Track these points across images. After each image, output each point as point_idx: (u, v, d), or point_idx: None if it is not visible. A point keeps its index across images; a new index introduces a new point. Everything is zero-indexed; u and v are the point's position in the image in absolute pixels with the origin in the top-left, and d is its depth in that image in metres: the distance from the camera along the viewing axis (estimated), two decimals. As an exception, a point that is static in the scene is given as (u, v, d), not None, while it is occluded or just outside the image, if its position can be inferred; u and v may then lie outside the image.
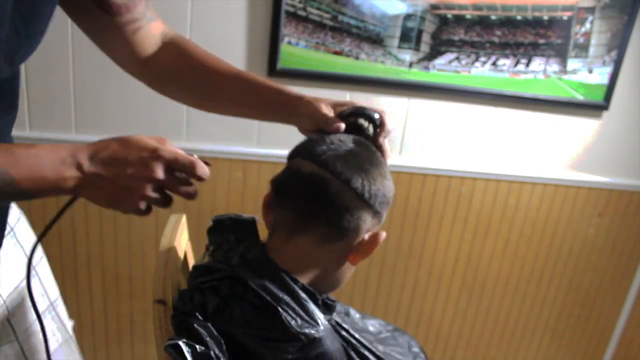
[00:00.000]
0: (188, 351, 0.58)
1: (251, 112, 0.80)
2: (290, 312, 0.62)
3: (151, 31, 0.78)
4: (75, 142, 1.35)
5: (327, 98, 0.74)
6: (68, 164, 0.53)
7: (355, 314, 0.88)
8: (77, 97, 1.34)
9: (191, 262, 0.94)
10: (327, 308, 0.70)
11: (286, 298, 0.63)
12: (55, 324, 0.85)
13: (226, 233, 0.76)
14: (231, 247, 0.72)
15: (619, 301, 1.83)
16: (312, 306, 0.64)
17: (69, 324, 0.91)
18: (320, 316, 0.64)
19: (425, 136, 1.52)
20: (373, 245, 0.68)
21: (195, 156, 0.60)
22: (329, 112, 0.70)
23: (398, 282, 1.66)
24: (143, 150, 0.56)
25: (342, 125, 0.69)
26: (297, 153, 0.69)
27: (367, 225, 0.67)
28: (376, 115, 0.71)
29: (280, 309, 0.61)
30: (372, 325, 0.88)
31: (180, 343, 0.58)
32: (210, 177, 0.60)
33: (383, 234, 0.68)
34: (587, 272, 1.76)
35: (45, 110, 1.33)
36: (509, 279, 1.73)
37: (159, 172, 0.56)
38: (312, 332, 0.61)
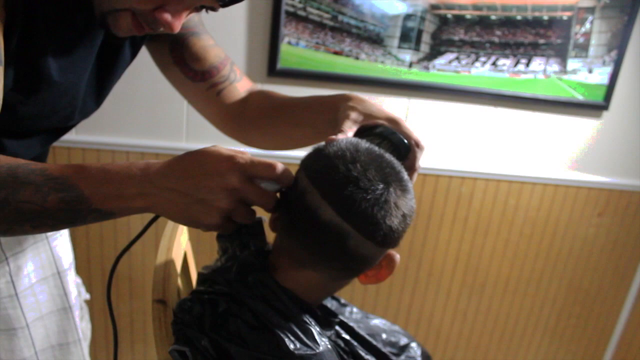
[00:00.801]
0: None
1: (308, 132, 0.78)
2: (290, 335, 0.59)
3: (237, 91, 0.82)
4: (75, 142, 1.35)
5: (368, 104, 0.68)
6: (137, 178, 0.51)
7: (357, 314, 0.87)
8: (77, 97, 1.34)
9: (191, 262, 0.94)
10: (328, 324, 0.69)
11: (284, 321, 0.61)
12: (57, 291, 0.87)
13: (233, 236, 0.75)
14: (232, 256, 0.71)
15: (619, 301, 1.83)
16: (312, 328, 0.62)
17: (74, 293, 0.92)
18: (319, 337, 0.62)
19: (425, 136, 1.52)
20: (388, 271, 0.63)
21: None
22: (348, 125, 0.64)
23: (398, 282, 1.66)
24: (217, 160, 0.52)
25: (339, 138, 0.60)
26: (316, 181, 0.58)
27: (383, 257, 0.63)
28: (404, 143, 0.63)
29: (278, 331, 0.59)
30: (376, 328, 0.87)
31: (187, 352, 0.58)
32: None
33: (397, 257, 0.63)
34: (587, 272, 1.76)
35: (45, 110, 1.33)
36: (509, 279, 1.73)
37: (234, 180, 0.51)
38: (310, 353, 0.59)
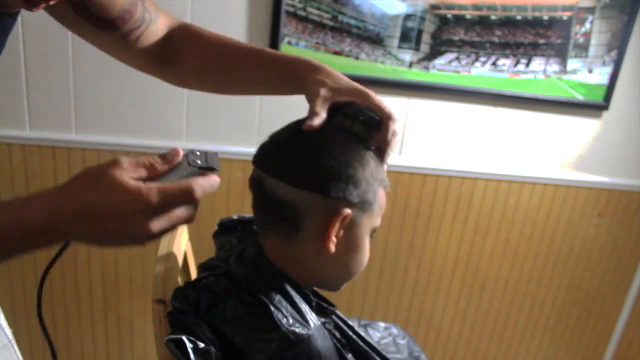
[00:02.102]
0: (191, 347, 0.58)
1: (259, 89, 0.77)
2: (282, 311, 0.62)
3: (156, 32, 0.76)
4: (75, 142, 1.35)
5: (336, 77, 0.67)
6: (39, 233, 0.46)
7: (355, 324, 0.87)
8: (77, 97, 1.34)
9: (191, 262, 0.94)
10: (322, 311, 0.70)
11: (278, 297, 0.63)
12: None
13: (230, 235, 0.77)
14: (232, 247, 0.73)
15: (619, 301, 1.83)
16: (304, 306, 0.65)
17: (9, 330, 0.84)
18: (312, 316, 0.64)
19: (425, 136, 1.52)
20: (330, 224, 0.63)
21: (193, 176, 0.50)
22: (320, 103, 0.64)
23: (398, 282, 1.66)
24: (124, 204, 0.45)
25: (315, 123, 0.62)
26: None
27: (320, 208, 0.63)
28: (375, 119, 0.65)
29: (271, 307, 0.61)
30: (373, 332, 0.88)
31: (184, 338, 0.58)
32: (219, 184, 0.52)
33: (344, 211, 0.62)
34: (587, 272, 1.76)
35: (45, 110, 1.33)
36: (509, 279, 1.73)
37: (148, 226, 0.46)
38: (302, 331, 0.61)
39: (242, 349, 0.61)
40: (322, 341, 0.63)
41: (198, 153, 0.53)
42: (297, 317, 0.63)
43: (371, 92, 0.67)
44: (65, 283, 1.49)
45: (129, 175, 0.47)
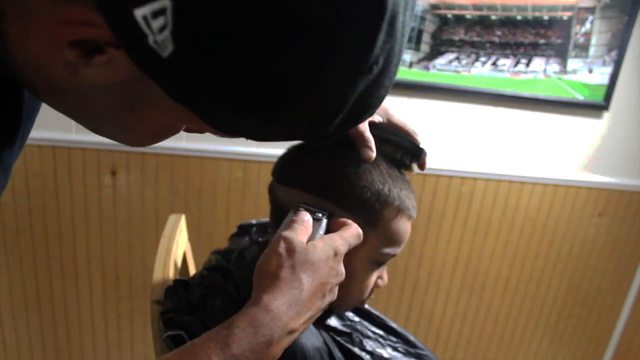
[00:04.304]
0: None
1: None
2: None
3: None
4: (75, 141, 1.35)
5: None
6: (282, 340, 0.47)
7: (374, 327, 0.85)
8: (77, 97, 1.33)
9: (190, 262, 0.94)
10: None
11: None
12: None
13: (245, 236, 0.78)
14: (239, 248, 0.74)
15: (619, 301, 1.83)
16: None
17: None
18: None
19: (425, 136, 1.52)
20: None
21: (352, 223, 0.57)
22: (365, 128, 0.61)
23: (398, 282, 1.66)
24: (328, 261, 0.51)
25: (373, 155, 0.60)
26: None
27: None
28: (421, 150, 0.66)
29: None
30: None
31: (183, 333, 0.59)
32: None
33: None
34: (587, 272, 1.76)
35: (45, 110, 1.33)
36: (509, 279, 1.72)
37: (343, 271, 0.54)
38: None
39: None
40: (309, 339, 0.62)
41: (305, 206, 0.59)
42: None
43: (405, 124, 0.67)
44: (65, 283, 1.49)
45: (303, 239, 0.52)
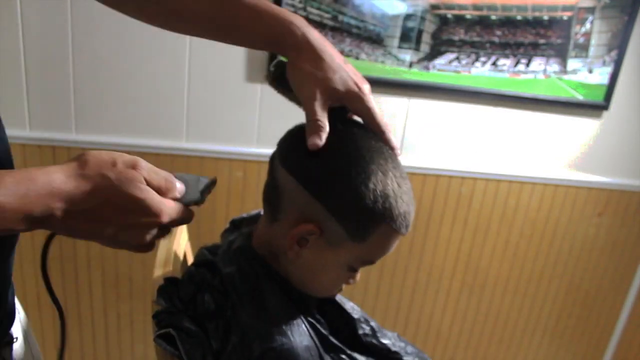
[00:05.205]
0: (179, 338, 0.60)
1: (228, 40, 0.65)
2: (251, 304, 0.61)
3: None
4: (75, 141, 1.35)
5: (330, 63, 0.59)
6: (35, 219, 0.42)
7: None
8: (77, 97, 1.34)
9: (190, 262, 0.94)
10: (303, 302, 0.67)
11: (248, 288, 0.62)
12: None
13: (236, 231, 0.77)
14: (227, 241, 0.74)
15: (619, 301, 1.83)
16: (279, 299, 0.63)
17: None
18: (285, 310, 0.63)
19: (425, 136, 1.52)
20: (292, 236, 0.60)
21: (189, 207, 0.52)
22: (320, 112, 0.58)
23: (398, 282, 1.66)
24: (140, 215, 0.45)
25: (321, 142, 0.57)
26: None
27: (298, 204, 0.59)
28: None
29: (236, 299, 0.61)
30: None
31: (171, 331, 0.59)
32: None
33: (308, 225, 0.58)
34: (587, 272, 1.76)
35: (45, 110, 1.33)
36: (509, 279, 1.73)
37: (146, 240, 0.47)
38: (264, 327, 0.59)
39: (216, 342, 0.62)
40: (297, 337, 0.61)
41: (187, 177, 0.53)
42: (267, 311, 0.61)
43: (365, 91, 0.61)
44: (65, 283, 1.49)
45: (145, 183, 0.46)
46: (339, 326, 0.72)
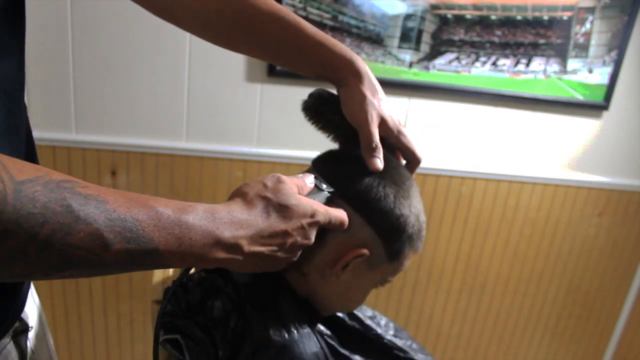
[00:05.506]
0: (186, 346, 0.59)
1: (286, 65, 0.68)
2: (264, 314, 0.61)
3: None
4: (75, 141, 1.35)
5: (378, 92, 0.64)
6: (224, 246, 0.45)
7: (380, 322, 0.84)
8: (77, 97, 1.34)
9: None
10: (313, 313, 0.68)
11: (260, 298, 0.62)
12: None
13: None
14: None
15: (619, 301, 1.83)
16: (289, 308, 0.63)
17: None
18: (294, 320, 0.63)
19: (425, 136, 1.52)
20: (343, 260, 0.61)
21: (343, 212, 0.57)
22: (376, 134, 0.62)
23: (398, 282, 1.66)
24: (302, 217, 0.51)
25: (381, 167, 0.62)
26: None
27: (347, 234, 0.61)
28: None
29: (250, 308, 0.61)
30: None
31: (179, 339, 0.59)
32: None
33: (359, 251, 0.60)
34: (587, 272, 1.76)
35: (45, 110, 1.33)
36: (509, 279, 1.73)
37: (312, 238, 0.53)
38: (278, 338, 0.60)
39: (225, 349, 0.61)
40: (306, 346, 0.61)
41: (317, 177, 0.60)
42: (279, 320, 0.62)
43: (406, 131, 0.68)
44: (65, 283, 1.49)
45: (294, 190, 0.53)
46: (350, 330, 0.73)
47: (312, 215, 0.52)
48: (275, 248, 0.49)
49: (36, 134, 1.46)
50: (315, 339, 0.64)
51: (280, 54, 0.65)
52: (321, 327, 0.71)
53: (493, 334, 1.80)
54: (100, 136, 1.37)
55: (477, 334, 1.79)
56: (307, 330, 0.63)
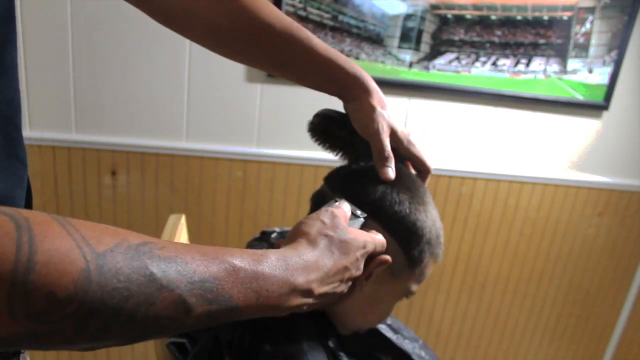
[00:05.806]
0: (192, 351, 0.58)
1: (294, 79, 0.68)
2: (274, 324, 0.61)
3: None
4: (75, 141, 1.35)
5: (385, 104, 0.66)
6: (299, 292, 0.45)
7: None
8: (77, 97, 1.34)
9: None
10: (327, 328, 0.67)
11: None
12: None
13: (263, 242, 0.77)
14: None
15: (619, 301, 1.83)
16: (302, 321, 0.63)
17: None
18: (305, 332, 0.62)
19: (426, 136, 1.52)
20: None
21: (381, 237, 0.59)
22: (388, 145, 0.64)
23: (398, 282, 1.66)
24: (357, 250, 0.53)
25: (393, 176, 0.63)
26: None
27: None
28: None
29: (263, 323, 0.60)
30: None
31: (186, 343, 0.59)
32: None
33: (382, 258, 0.60)
34: (587, 272, 1.76)
35: (45, 110, 1.33)
36: (509, 279, 1.73)
37: (362, 268, 0.55)
38: (287, 349, 0.59)
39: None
40: (315, 357, 0.61)
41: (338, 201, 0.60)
42: (288, 333, 0.61)
43: (414, 139, 0.69)
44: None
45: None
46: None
47: (364, 247, 0.54)
48: (337, 284, 0.51)
49: (36, 134, 1.46)
50: (322, 350, 0.63)
51: (289, 69, 0.66)
52: (331, 344, 0.69)
53: (493, 334, 1.80)
54: (100, 136, 1.37)
55: (477, 334, 1.79)
56: (316, 343, 0.63)
